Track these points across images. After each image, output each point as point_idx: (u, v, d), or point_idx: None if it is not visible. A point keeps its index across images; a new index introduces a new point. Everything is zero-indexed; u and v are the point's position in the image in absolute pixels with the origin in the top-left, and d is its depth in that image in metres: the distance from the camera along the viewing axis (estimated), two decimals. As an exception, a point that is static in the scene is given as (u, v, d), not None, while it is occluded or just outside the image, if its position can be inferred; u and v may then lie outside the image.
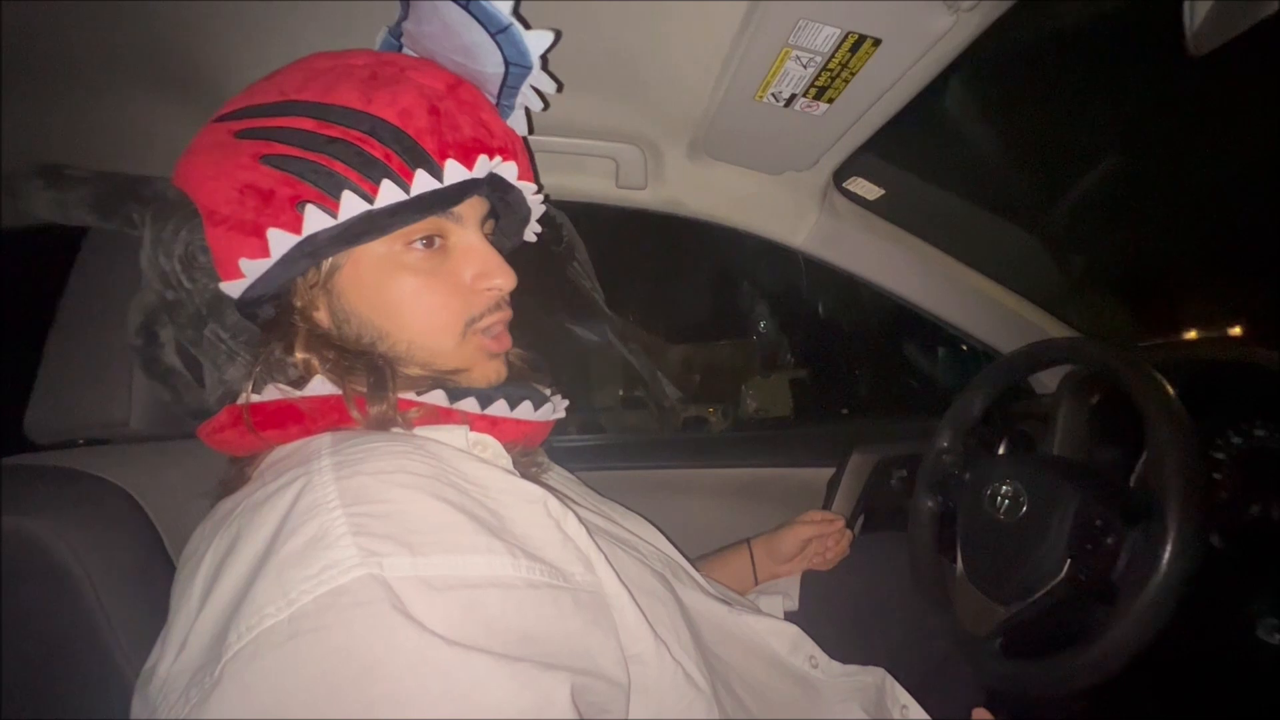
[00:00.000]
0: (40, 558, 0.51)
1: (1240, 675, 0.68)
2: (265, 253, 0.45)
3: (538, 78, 0.56)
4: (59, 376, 0.64)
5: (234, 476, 0.48)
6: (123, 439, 0.67)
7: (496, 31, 0.50)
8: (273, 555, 0.34)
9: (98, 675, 0.51)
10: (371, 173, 0.46)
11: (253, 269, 0.46)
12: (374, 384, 0.47)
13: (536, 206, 0.62)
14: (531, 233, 0.66)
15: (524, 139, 0.60)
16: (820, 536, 0.90)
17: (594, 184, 0.98)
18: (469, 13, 0.49)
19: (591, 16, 0.66)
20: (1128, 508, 0.62)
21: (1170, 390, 0.61)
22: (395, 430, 0.47)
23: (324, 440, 0.43)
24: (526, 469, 0.57)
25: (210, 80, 0.73)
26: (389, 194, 0.46)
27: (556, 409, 0.58)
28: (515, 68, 0.54)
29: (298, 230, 0.45)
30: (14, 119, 0.70)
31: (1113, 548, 0.61)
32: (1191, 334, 1.79)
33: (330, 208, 0.45)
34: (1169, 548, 0.54)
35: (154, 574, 0.56)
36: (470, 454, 0.46)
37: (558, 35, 0.53)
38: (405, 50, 0.58)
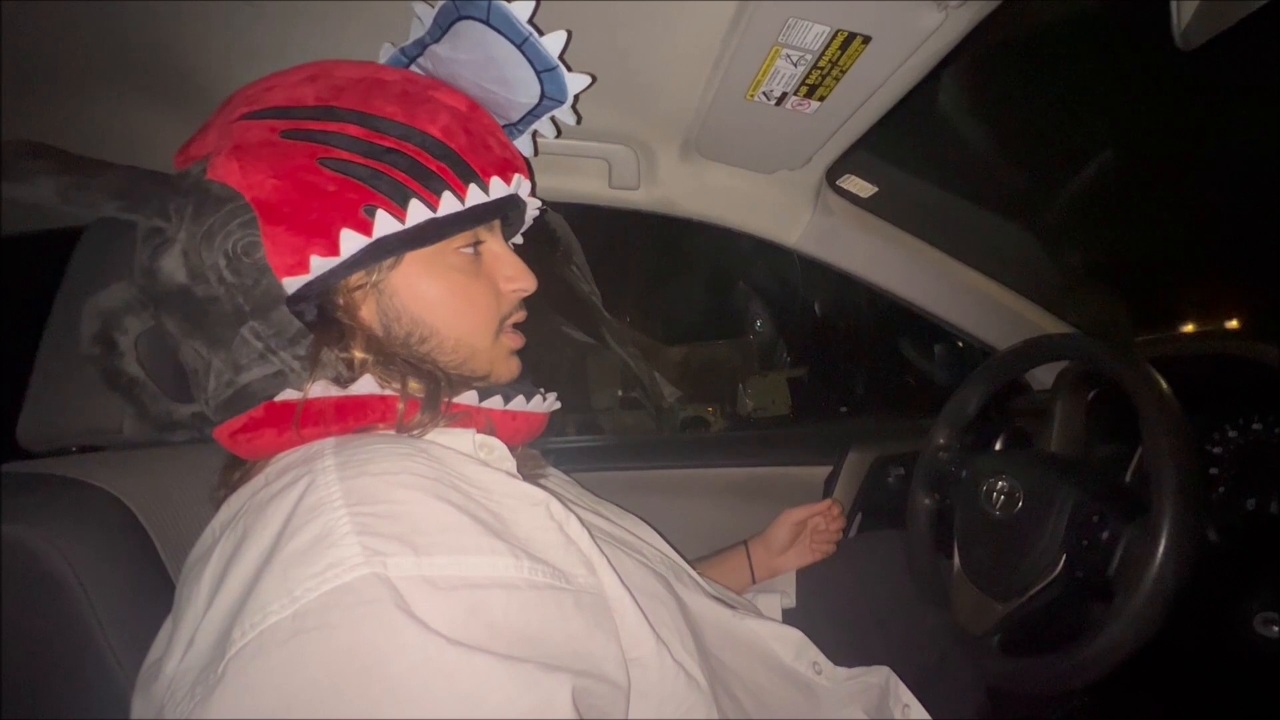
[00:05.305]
0: (34, 565, 0.50)
1: (1237, 670, 0.68)
2: (334, 251, 0.47)
3: (564, 111, 0.61)
4: (52, 383, 0.64)
5: (238, 478, 0.48)
6: (116, 445, 0.67)
7: (544, 70, 0.56)
8: (277, 553, 0.35)
9: (92, 681, 0.51)
10: (432, 184, 0.50)
11: (319, 266, 0.47)
12: (430, 390, 0.49)
13: (530, 220, 0.66)
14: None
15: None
16: (811, 516, 0.92)
17: (587, 185, 0.98)
18: (520, 51, 0.54)
19: (581, 18, 0.66)
20: (1123, 503, 0.62)
21: (1165, 385, 0.61)
22: (406, 435, 0.48)
23: (327, 442, 0.44)
24: (527, 472, 0.57)
25: (203, 83, 0.73)
26: (448, 205, 0.50)
27: (554, 401, 0.62)
28: (548, 101, 0.59)
29: (368, 232, 0.47)
30: (6, 120, 0.70)
31: (1109, 544, 0.61)
32: (1189, 328, 1.79)
33: (398, 214, 0.48)
34: (1164, 543, 0.53)
35: (147, 580, 0.56)
36: (474, 458, 0.47)
37: (593, 79, 0.59)
38: (414, 68, 0.61)
